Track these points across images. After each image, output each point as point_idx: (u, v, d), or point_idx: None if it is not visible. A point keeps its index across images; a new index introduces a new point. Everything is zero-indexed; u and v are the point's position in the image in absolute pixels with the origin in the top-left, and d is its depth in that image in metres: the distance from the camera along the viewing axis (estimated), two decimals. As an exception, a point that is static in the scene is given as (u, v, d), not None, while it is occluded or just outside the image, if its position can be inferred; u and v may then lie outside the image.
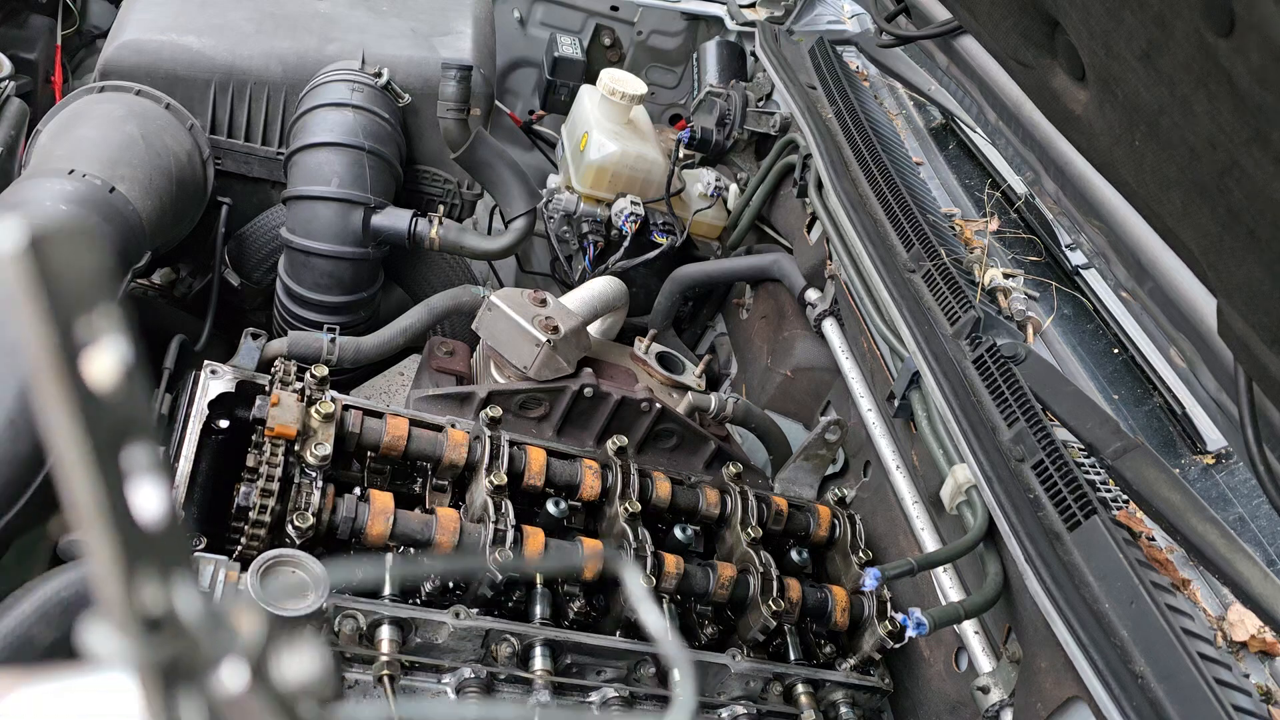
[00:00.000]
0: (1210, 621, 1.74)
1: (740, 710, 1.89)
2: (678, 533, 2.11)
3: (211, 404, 1.91)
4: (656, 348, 2.53)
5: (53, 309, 0.38)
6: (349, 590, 1.70)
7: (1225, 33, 1.09)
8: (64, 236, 0.39)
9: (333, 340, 2.27)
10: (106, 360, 0.40)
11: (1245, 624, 1.67)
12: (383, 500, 1.81)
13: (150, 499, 0.41)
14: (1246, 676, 1.63)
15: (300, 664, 0.44)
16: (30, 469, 1.70)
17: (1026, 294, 2.42)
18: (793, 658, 2.05)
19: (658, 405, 2.27)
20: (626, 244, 3.16)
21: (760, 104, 3.32)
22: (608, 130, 3.21)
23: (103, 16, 3.45)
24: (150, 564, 0.41)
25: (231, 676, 0.42)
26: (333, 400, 1.91)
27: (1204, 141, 1.24)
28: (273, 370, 1.97)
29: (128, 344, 0.41)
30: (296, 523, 1.70)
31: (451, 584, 1.88)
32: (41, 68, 3.09)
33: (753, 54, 3.52)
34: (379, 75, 2.70)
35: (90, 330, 0.40)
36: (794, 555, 2.21)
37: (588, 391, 2.21)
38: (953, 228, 2.58)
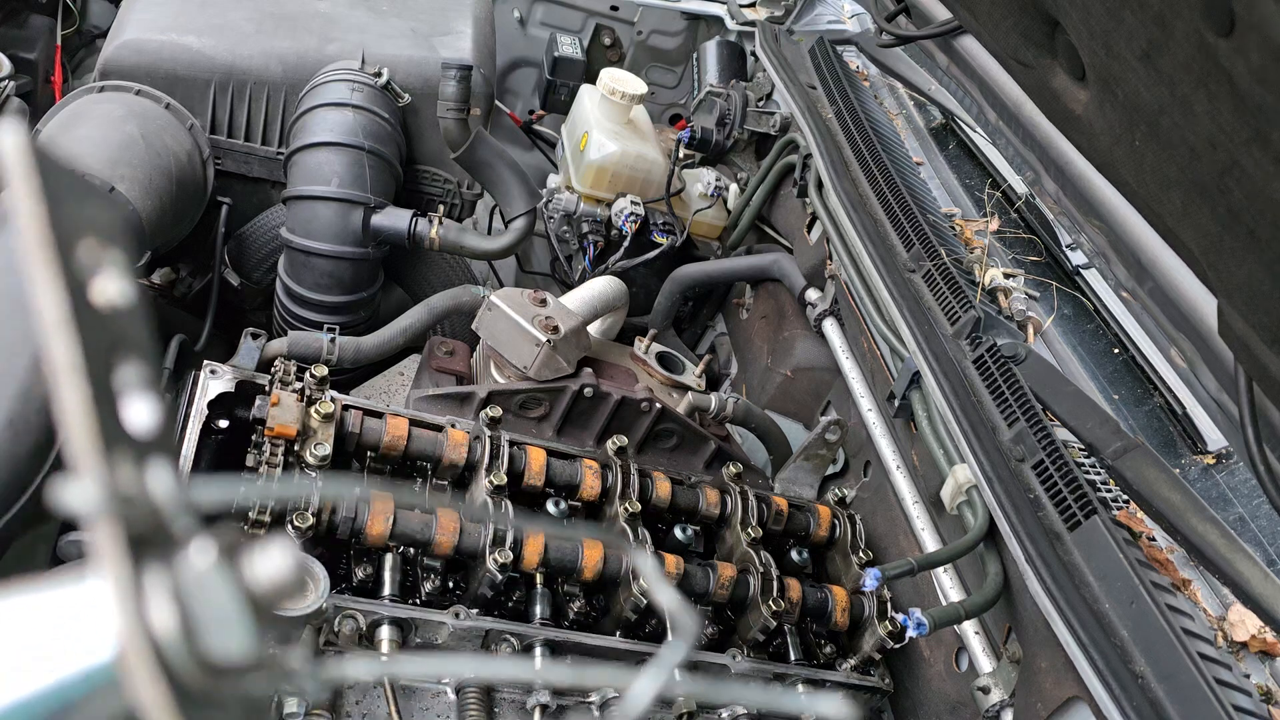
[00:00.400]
0: (1210, 622, 1.74)
1: (740, 710, 1.89)
2: (678, 533, 2.11)
3: (211, 404, 1.91)
4: (656, 347, 2.53)
5: (52, 218, 0.40)
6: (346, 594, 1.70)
7: (1225, 33, 1.09)
8: (70, 174, 0.43)
9: (332, 340, 2.27)
10: (108, 285, 0.42)
11: (1245, 624, 1.67)
12: (382, 500, 1.81)
13: (140, 413, 0.43)
14: (1247, 677, 1.63)
15: (270, 560, 0.44)
16: (30, 469, 1.70)
17: (1027, 294, 2.42)
18: (793, 658, 2.05)
19: (658, 405, 2.27)
20: (626, 244, 3.16)
21: (760, 104, 3.32)
22: (608, 130, 3.21)
23: (103, 16, 3.45)
24: (128, 452, 0.42)
25: (199, 556, 0.42)
26: (332, 400, 1.92)
27: (1204, 141, 1.24)
28: (272, 370, 1.97)
29: (132, 285, 0.43)
30: (296, 522, 1.70)
31: (451, 584, 1.88)
32: (41, 67, 3.09)
33: (753, 54, 3.52)
34: (379, 75, 2.70)
35: (94, 258, 0.42)
36: (794, 555, 2.22)
37: (588, 391, 2.21)
38: (953, 228, 2.58)
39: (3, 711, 0.40)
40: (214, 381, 1.94)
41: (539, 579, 1.89)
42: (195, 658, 0.41)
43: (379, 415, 1.98)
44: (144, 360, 0.44)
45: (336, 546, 1.82)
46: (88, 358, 0.40)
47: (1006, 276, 2.40)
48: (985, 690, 1.86)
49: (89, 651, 0.42)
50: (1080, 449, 1.92)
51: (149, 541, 0.42)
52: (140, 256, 2.27)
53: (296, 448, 1.82)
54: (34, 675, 0.41)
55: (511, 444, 2.02)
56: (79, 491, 0.40)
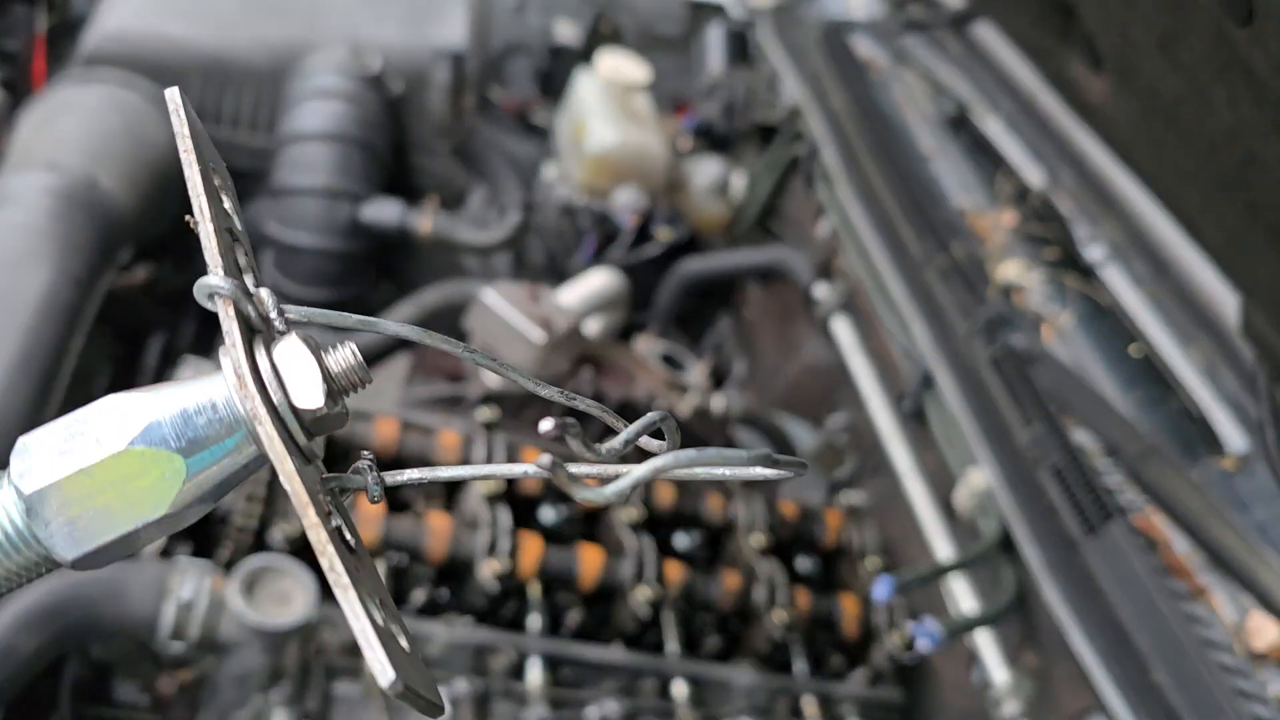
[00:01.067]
0: (1229, 630, 1.74)
1: (745, 722, 1.90)
2: (681, 540, 2.12)
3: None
4: (658, 346, 2.53)
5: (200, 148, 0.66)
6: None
7: (1244, 22, 1.10)
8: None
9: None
10: (221, 189, 0.69)
11: (1264, 633, 1.68)
12: (372, 506, 1.82)
13: (241, 255, 0.67)
14: (1265, 686, 1.63)
15: (341, 353, 0.63)
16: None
17: (1042, 291, 2.42)
18: (800, 670, 2.06)
19: (660, 406, 2.28)
20: (627, 237, 3.16)
21: (766, 92, 3.32)
22: (608, 118, 3.22)
23: (85, 4, 3.46)
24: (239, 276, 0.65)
25: (291, 341, 0.62)
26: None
27: (1223, 133, 1.25)
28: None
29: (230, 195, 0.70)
30: (286, 529, 1.71)
31: (444, 593, 1.90)
32: (23, 57, 3.10)
33: (759, 41, 3.53)
34: (369, 64, 2.71)
35: (222, 181, 0.70)
36: (802, 563, 2.22)
37: (586, 392, 2.22)
38: (966, 221, 2.58)
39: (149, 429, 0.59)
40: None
41: (536, 588, 1.90)
42: (291, 408, 0.59)
43: (368, 417, 1.99)
44: (242, 230, 0.68)
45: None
46: (213, 213, 0.64)
47: (1021, 272, 2.40)
48: (999, 701, 1.86)
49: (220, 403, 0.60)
50: (1097, 452, 1.93)
51: (256, 329, 0.61)
52: (123, 252, 2.28)
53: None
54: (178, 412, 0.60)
55: (507, 447, 2.03)
56: (214, 281, 0.59)
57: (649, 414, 0.67)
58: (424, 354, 2.38)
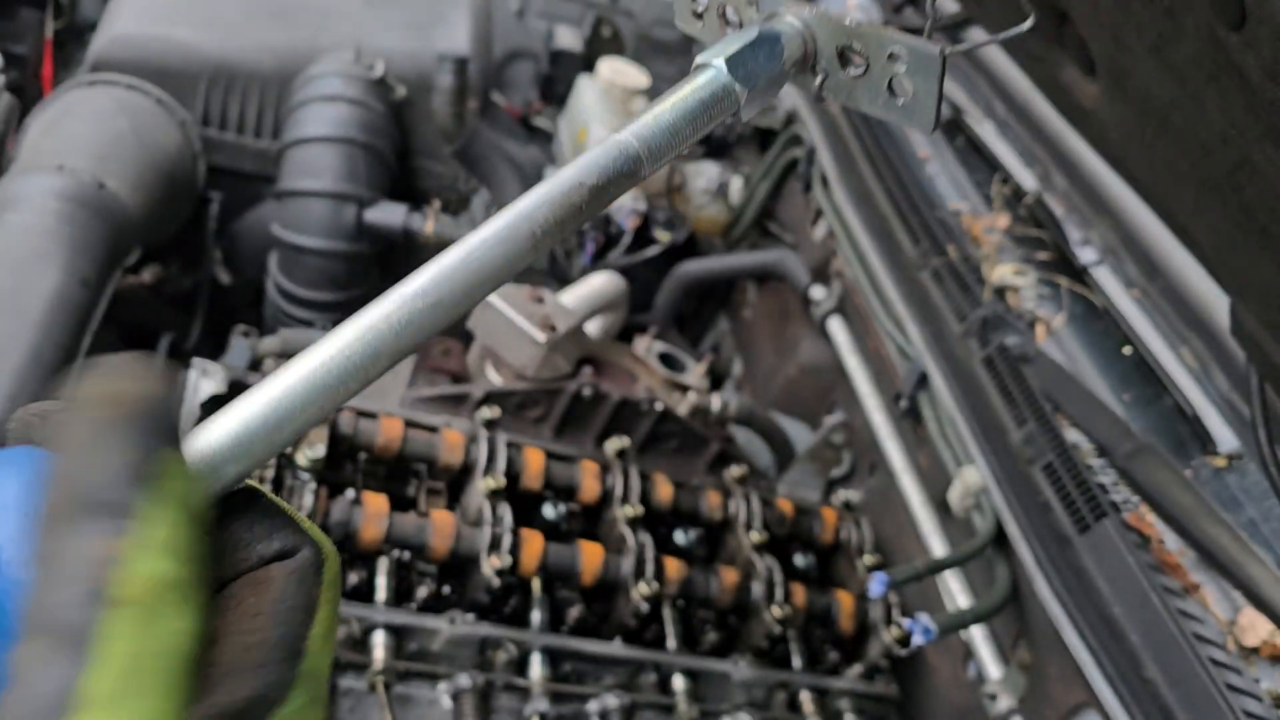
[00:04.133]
0: (1221, 626, 1.74)
1: (744, 718, 1.90)
2: (680, 537, 2.12)
3: (203, 405, 1.92)
4: (658, 346, 2.53)
5: None
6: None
7: (1236, 26, 1.09)
8: None
9: (326, 339, 2.27)
10: None
11: (1256, 629, 1.68)
12: (377, 503, 1.82)
13: None
14: (1257, 682, 1.63)
15: None
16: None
17: (1036, 292, 2.42)
18: (797, 665, 2.06)
19: (659, 406, 2.28)
20: (627, 240, 3.16)
21: (764, 97, 3.32)
22: (608, 123, 3.21)
23: (93, 9, 3.46)
24: None
25: None
26: (326, 401, 1.92)
27: (1215, 137, 1.25)
28: (264, 369, 1.98)
29: None
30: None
31: (447, 589, 1.89)
32: (31, 61, 3.10)
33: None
34: (373, 68, 2.71)
35: None
36: (799, 559, 2.22)
37: (587, 392, 2.22)
38: (960, 224, 2.58)
39: None
40: (205, 381, 1.94)
41: (537, 584, 1.90)
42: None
43: (372, 416, 1.98)
44: None
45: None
46: None
47: (1015, 274, 2.40)
48: (993, 697, 1.86)
49: None
50: (1090, 450, 1.93)
51: None
52: (130, 254, 2.28)
53: (289, 450, 1.82)
54: None
55: (509, 445, 2.02)
56: None
57: None
58: (426, 354, 2.38)
